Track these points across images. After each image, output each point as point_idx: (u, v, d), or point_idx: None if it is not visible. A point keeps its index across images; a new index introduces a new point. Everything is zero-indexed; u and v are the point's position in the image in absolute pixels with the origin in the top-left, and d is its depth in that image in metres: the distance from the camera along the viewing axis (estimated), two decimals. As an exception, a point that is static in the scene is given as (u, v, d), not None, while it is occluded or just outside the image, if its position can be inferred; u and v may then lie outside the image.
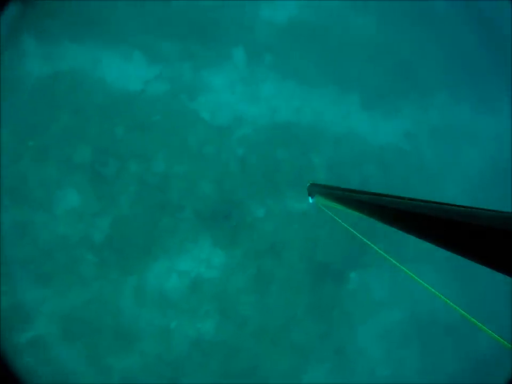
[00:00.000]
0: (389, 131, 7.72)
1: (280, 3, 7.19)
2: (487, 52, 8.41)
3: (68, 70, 6.42)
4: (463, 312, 1.36)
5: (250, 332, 6.19)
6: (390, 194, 1.32)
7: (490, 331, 1.22)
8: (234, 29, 7.04)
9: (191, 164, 6.13)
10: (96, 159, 5.88)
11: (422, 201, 1.06)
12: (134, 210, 5.82)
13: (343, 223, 2.50)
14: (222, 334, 6.15)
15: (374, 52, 7.76)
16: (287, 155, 6.51)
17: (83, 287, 5.31)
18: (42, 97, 5.84)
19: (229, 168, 6.25)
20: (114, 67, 6.51)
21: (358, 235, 2.17)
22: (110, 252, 5.76)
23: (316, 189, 2.99)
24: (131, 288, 5.80)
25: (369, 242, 2.17)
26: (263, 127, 6.64)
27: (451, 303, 1.40)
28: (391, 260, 1.80)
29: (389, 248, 7.07)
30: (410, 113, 7.93)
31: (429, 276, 7.56)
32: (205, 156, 6.20)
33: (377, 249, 1.95)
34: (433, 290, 1.53)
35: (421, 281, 1.58)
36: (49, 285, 5.17)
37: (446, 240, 0.88)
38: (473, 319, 1.31)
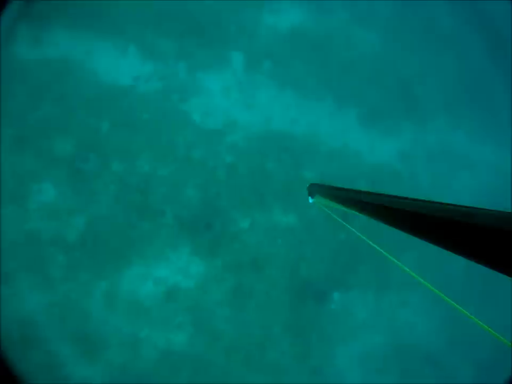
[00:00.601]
0: (385, 150, 7.54)
1: (285, 10, 7.01)
2: (495, 77, 8.29)
3: (56, 57, 6.16)
4: (464, 311, 1.35)
5: (224, 347, 5.92)
6: (390, 194, 1.30)
7: (491, 330, 1.21)
8: (235, 32, 6.84)
9: (176, 167, 5.88)
10: (77, 153, 5.60)
11: (422, 201, 1.05)
12: (112, 211, 5.55)
13: (343, 222, 2.52)
14: (194, 347, 5.86)
15: (376, 69, 7.61)
16: (277, 167, 6.28)
17: (48, 289, 5.02)
18: (25, 83, 5.57)
19: (216, 175, 6.01)
20: (106, 59, 6.26)
21: (359, 234, 2.17)
22: (82, 252, 5.47)
23: (316, 189, 2.94)
24: (101, 293, 5.51)
25: (369, 241, 2.13)
26: (255, 136, 6.42)
27: (451, 302, 1.39)
28: (389, 256, 1.80)
29: (374, 273, 6.84)
30: (408, 134, 7.77)
31: (416, 303, 7.34)
32: (191, 160, 5.96)
33: (378, 247, 1.93)
34: (432, 288, 1.50)
35: (418, 277, 1.56)
36: (9, 285, 4.87)
37: (446, 239, 0.87)
38: (474, 318, 1.29)
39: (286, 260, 6.28)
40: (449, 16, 8.67)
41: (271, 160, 6.27)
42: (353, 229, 2.32)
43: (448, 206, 0.91)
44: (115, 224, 5.53)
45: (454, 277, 6.71)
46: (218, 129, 6.29)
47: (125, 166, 5.68)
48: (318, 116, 7.11)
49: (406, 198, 1.16)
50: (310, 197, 3.23)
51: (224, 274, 5.97)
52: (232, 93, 6.63)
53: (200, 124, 6.25)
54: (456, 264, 7.00)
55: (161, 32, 6.58)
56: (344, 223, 2.52)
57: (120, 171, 5.64)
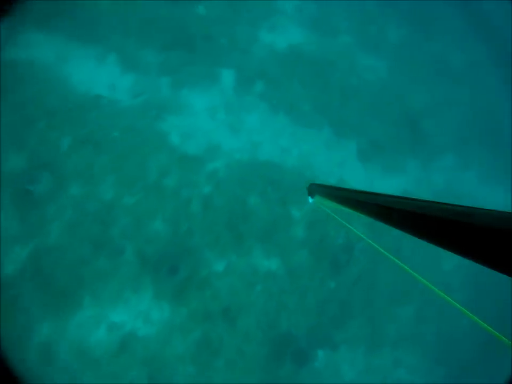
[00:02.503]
0: (386, 189, 6.78)
1: (283, 27, 6.37)
2: (508, 114, 7.63)
3: (25, 59, 5.45)
4: (465, 311, 1.30)
5: (183, 412, 5.02)
6: (390, 194, 1.27)
7: (491, 329, 1.18)
8: (227, 47, 6.17)
9: (144, 196, 5.10)
10: (28, 172, 4.82)
11: (422, 201, 1.03)
12: (63, 243, 4.73)
13: (343, 222, 2.47)
14: (147, 410, 4.97)
15: (380, 98, 6.93)
16: (261, 202, 5.50)
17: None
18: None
19: (189, 207, 5.22)
20: (80, 67, 5.54)
21: (359, 233, 2.15)
22: (22, 288, 4.63)
23: (316, 189, 2.95)
24: (42, 338, 4.64)
25: (367, 239, 2.02)
26: (238, 164, 5.66)
27: (454, 302, 1.31)
28: (389, 255, 1.67)
29: (365, 328, 5.97)
30: (412, 172, 7.04)
31: (412, 362, 6.49)
32: (162, 189, 5.18)
33: (375, 244, 1.82)
34: (430, 285, 1.41)
35: (421, 279, 1.45)
36: None
37: (445, 239, 0.85)
38: (475, 317, 1.26)
39: (264, 310, 5.43)
40: (462, 49, 8.08)
41: (254, 194, 5.49)
42: (354, 229, 2.31)
43: (448, 205, 0.88)
44: (66, 258, 4.70)
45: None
46: (197, 155, 5.53)
47: (85, 191, 4.89)
48: (313, 145, 6.37)
49: (406, 198, 1.13)
50: (309, 197, 3.21)
51: (191, 323, 5.11)
52: (218, 114, 5.91)
53: (178, 147, 5.49)
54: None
55: (146, 42, 5.90)
56: (344, 222, 2.47)
57: (78, 196, 4.85)
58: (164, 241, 5.04)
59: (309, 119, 6.39)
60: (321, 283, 5.72)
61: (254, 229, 5.39)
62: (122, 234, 4.92)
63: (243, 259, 5.31)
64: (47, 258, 4.70)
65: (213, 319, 5.18)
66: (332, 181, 6.21)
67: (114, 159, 5.08)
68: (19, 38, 5.65)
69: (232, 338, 5.21)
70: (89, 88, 5.27)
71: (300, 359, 5.63)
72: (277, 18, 6.44)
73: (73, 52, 5.56)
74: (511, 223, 0.64)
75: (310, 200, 3.18)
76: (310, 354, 5.71)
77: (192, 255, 5.13)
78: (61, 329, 4.78)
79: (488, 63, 8.19)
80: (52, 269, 4.64)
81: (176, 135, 5.56)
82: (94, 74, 5.37)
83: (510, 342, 1.10)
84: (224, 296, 5.23)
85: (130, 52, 5.64)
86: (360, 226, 5.09)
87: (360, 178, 6.65)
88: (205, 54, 6.02)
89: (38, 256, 4.66)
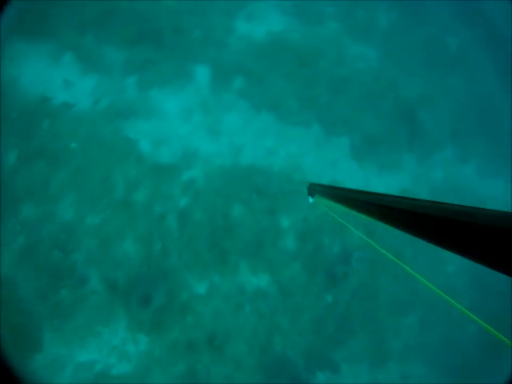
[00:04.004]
0: (382, 188, 6.22)
1: (263, 15, 5.72)
2: (506, 100, 7.09)
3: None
4: (466, 311, 1.26)
5: None
6: (391, 194, 1.26)
7: (492, 329, 1.15)
8: (200, 40, 5.51)
9: (111, 214, 4.46)
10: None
11: (422, 200, 1.02)
12: (15, 274, 4.08)
13: (344, 222, 2.28)
14: None
15: (372, 89, 6.35)
16: (246, 213, 4.90)
17: None
18: None
19: (164, 224, 4.59)
20: (31, 68, 4.86)
21: (360, 234, 2.02)
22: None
23: (316, 188, 2.92)
24: (-3, 387, 4.00)
25: (371, 242, 1.85)
26: (219, 171, 5.04)
27: (455, 302, 1.28)
28: (390, 256, 1.61)
29: (367, 344, 5.40)
30: (409, 168, 6.47)
31: (420, 376, 5.98)
32: (132, 205, 4.54)
33: (378, 246, 1.73)
34: (431, 286, 1.38)
35: (422, 278, 1.40)
36: None
37: (445, 239, 0.84)
38: (475, 317, 1.23)
39: (254, 333, 4.85)
40: (456, 32, 7.51)
41: (238, 204, 4.88)
42: (354, 229, 2.10)
43: (448, 205, 0.88)
44: (18, 293, 4.06)
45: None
46: (171, 163, 4.90)
47: (39, 212, 4.24)
48: (301, 145, 5.76)
49: (406, 198, 1.12)
50: (310, 197, 3.17)
51: (172, 355, 4.51)
52: (194, 116, 5.28)
53: (149, 156, 4.85)
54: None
55: (106, 37, 5.22)
56: (344, 222, 2.29)
57: (31, 219, 4.19)
58: (135, 265, 4.42)
59: (296, 116, 5.78)
60: (317, 298, 5.15)
61: (239, 244, 4.78)
62: (87, 260, 4.29)
63: (227, 278, 4.70)
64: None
65: (197, 348, 4.59)
66: (324, 183, 5.63)
67: (73, 173, 4.42)
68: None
69: (220, 367, 4.62)
70: (41, 93, 4.59)
71: (298, 382, 5.08)
72: (255, 6, 5.79)
73: (21, 50, 4.86)
74: (510, 223, 0.62)
75: (310, 200, 3.17)
76: (309, 378, 5.16)
77: (169, 278, 4.52)
78: (22, 372, 4.14)
79: (483, 46, 7.64)
80: (3, 307, 3.99)
81: (146, 142, 4.91)
82: (46, 76, 4.69)
83: (510, 343, 1.09)
84: (209, 322, 4.63)
85: (89, 50, 4.97)
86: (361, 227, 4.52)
87: (355, 178, 6.07)
88: (175, 49, 5.37)
89: (-12, 292, 4.02)
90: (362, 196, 1.48)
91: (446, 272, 6.54)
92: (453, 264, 6.80)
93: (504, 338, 1.10)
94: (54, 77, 4.85)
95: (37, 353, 4.17)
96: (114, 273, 4.34)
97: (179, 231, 4.61)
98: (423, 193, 6.72)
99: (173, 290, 4.53)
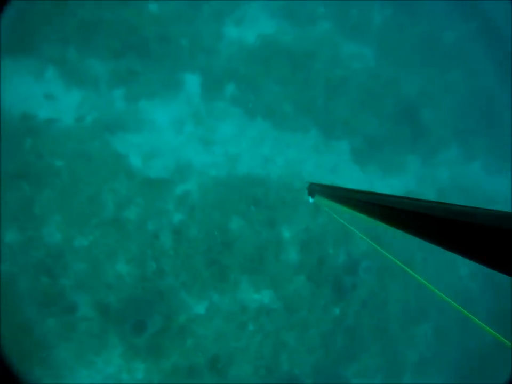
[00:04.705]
0: (386, 191, 5.93)
1: (252, 18, 5.51)
2: (508, 95, 6.82)
3: None
4: (467, 313, 1.28)
5: None
6: (391, 194, 1.25)
7: (491, 330, 1.16)
8: (188, 48, 5.30)
9: (100, 234, 4.21)
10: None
11: (423, 201, 1.00)
12: (0, 306, 3.83)
13: (344, 222, 2.26)
14: None
15: (371, 89, 6.10)
16: (244, 226, 4.63)
17: None
18: None
19: (158, 242, 4.34)
20: (11, 84, 4.65)
21: (361, 235, 1.97)
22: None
23: (316, 188, 2.81)
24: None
25: (372, 243, 1.83)
26: (214, 183, 4.80)
27: (456, 305, 1.30)
28: (393, 258, 1.58)
29: (380, 358, 5.09)
30: (414, 170, 6.20)
31: (437, 381, 5.67)
32: (123, 224, 4.29)
33: (382, 250, 1.64)
34: (436, 290, 1.39)
35: (429, 285, 1.39)
36: None
37: (445, 239, 0.83)
38: (475, 319, 1.23)
39: (259, 353, 4.56)
40: (453, 26, 7.28)
41: (236, 217, 4.62)
42: (355, 229, 2.06)
43: (449, 205, 0.88)
44: (4, 323, 3.79)
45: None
46: (164, 177, 4.65)
47: (23, 237, 3.99)
48: (300, 151, 5.50)
49: (407, 198, 1.11)
50: (310, 197, 3.14)
51: (172, 382, 4.22)
52: (185, 127, 5.04)
53: (139, 171, 4.61)
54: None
55: (90, 50, 5.01)
56: (345, 223, 2.24)
57: (14, 244, 3.95)
58: (129, 287, 4.16)
59: (292, 121, 5.54)
60: (324, 312, 4.86)
61: (239, 259, 4.52)
62: (76, 284, 4.03)
63: (228, 296, 4.43)
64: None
65: (199, 373, 4.30)
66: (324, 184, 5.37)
67: (59, 194, 4.19)
68: None
69: (224, 392, 4.33)
70: (22, 110, 4.38)
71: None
72: (244, 9, 5.58)
73: (4, 63, 4.65)
74: (510, 223, 0.62)
75: (311, 200, 3.12)
76: (320, 398, 4.85)
77: (165, 299, 4.25)
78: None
79: (480, 40, 7.39)
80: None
81: (136, 156, 4.68)
82: (28, 92, 4.48)
83: (510, 344, 1.08)
84: (210, 344, 4.36)
85: (72, 63, 4.76)
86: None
87: (358, 182, 5.81)
88: (163, 59, 5.16)
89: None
90: (362, 196, 1.47)
91: (459, 275, 6.24)
92: (466, 266, 6.49)
93: (504, 339, 1.10)
94: (36, 93, 4.64)
95: (27, 387, 3.89)
96: (107, 297, 4.08)
97: (174, 249, 4.36)
98: (429, 194, 6.44)
99: (170, 312, 4.26)
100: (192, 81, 5.28)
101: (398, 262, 1.58)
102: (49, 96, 4.69)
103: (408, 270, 1.51)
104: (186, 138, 5.04)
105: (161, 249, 4.31)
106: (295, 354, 4.73)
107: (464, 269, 6.32)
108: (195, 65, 5.31)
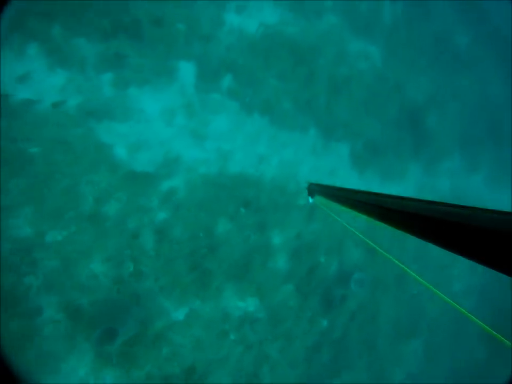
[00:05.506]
0: (384, 199, 5.66)
1: (255, 6, 5.14)
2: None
3: None
4: (466, 312, 1.29)
5: None
6: (391, 194, 1.23)
7: (491, 330, 1.17)
8: (184, 33, 4.94)
9: (76, 230, 3.88)
10: None
11: (422, 201, 0.99)
12: (-40, 301, 3.51)
13: (344, 223, 2.23)
14: None
15: (376, 91, 5.80)
16: (232, 229, 4.33)
17: None
18: None
19: (138, 241, 4.03)
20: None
21: (360, 235, 1.92)
22: None
23: (316, 188, 2.75)
24: None
25: (371, 242, 1.81)
26: (203, 180, 4.48)
27: (455, 304, 1.31)
28: (391, 257, 1.59)
29: (368, 371, 4.85)
30: (414, 178, 5.93)
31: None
32: (101, 219, 3.97)
33: (380, 249, 1.64)
34: (434, 289, 1.39)
35: (423, 281, 1.43)
36: None
37: (445, 239, 0.83)
38: (475, 319, 1.24)
39: (240, 365, 4.29)
40: (465, 27, 6.97)
41: (223, 219, 4.32)
42: (354, 229, 2.03)
43: (449, 206, 0.87)
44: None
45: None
46: (149, 171, 4.33)
47: (-10, 229, 3.66)
48: (296, 152, 5.19)
49: (407, 199, 1.09)
50: (310, 197, 3.08)
51: (145, 392, 3.94)
52: (177, 118, 4.71)
53: (124, 163, 4.28)
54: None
55: (77, 29, 4.63)
56: (345, 223, 2.22)
57: (-20, 236, 3.62)
58: (103, 289, 3.85)
59: (291, 120, 5.23)
60: (311, 323, 4.61)
61: (224, 264, 4.22)
62: (45, 284, 3.71)
63: (210, 303, 4.15)
64: None
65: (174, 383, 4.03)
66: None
67: (32, 183, 3.85)
68: None
69: (200, 405, 4.07)
70: (2, 87, 4.01)
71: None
72: (247, -5, 5.22)
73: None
74: (510, 224, 0.63)
75: (310, 200, 3.10)
76: (301, 414, 4.62)
77: (142, 304, 3.95)
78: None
79: (492, 45, 7.10)
80: None
81: (121, 147, 4.34)
82: (6, 69, 4.10)
83: (510, 344, 1.08)
84: (187, 353, 4.08)
85: (58, 42, 4.38)
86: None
87: (355, 187, 5.52)
88: (156, 43, 4.80)
89: None
90: (362, 197, 1.47)
91: (452, 291, 6.02)
92: (460, 282, 6.28)
93: (504, 339, 1.09)
94: (15, 71, 4.25)
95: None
96: (78, 299, 3.77)
97: (155, 249, 4.05)
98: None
99: (146, 318, 3.97)
100: (186, 70, 4.93)
101: (398, 262, 1.58)
102: (29, 75, 4.32)
103: (408, 270, 1.51)
104: (176, 131, 4.71)
105: (141, 249, 4.00)
106: (277, 367, 4.48)
107: (458, 284, 6.11)
108: (191, 53, 4.96)
